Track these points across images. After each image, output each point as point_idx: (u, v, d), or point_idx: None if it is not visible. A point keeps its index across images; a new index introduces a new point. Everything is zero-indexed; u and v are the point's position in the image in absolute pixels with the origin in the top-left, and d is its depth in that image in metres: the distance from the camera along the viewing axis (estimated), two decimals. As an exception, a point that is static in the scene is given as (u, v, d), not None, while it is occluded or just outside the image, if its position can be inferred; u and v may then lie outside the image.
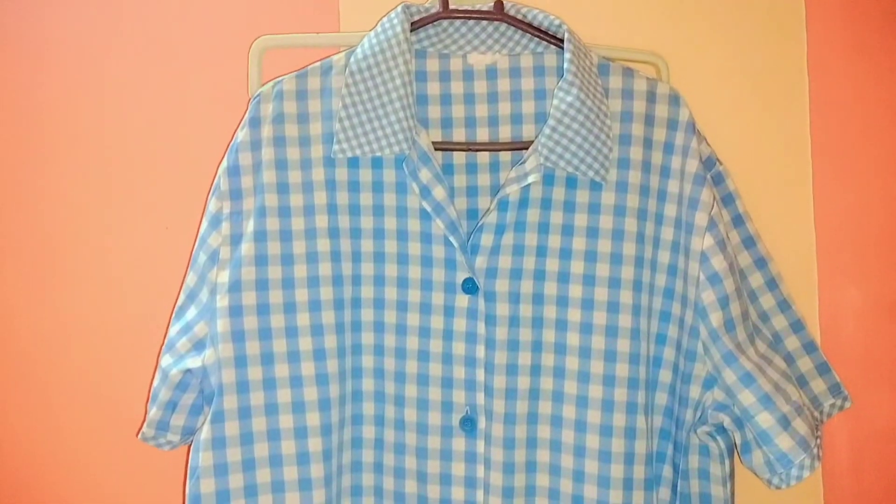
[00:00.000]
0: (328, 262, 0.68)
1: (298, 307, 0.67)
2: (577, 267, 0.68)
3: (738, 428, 0.67)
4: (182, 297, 0.71)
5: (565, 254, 0.69)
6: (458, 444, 0.68)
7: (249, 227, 0.67)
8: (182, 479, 0.70)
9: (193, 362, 0.68)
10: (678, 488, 0.69)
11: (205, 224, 0.70)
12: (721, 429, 0.68)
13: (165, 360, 0.70)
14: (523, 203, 0.68)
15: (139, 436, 0.71)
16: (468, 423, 0.68)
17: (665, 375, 0.70)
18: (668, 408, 0.70)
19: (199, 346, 0.68)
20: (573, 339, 0.68)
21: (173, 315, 0.71)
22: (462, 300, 0.68)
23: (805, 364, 0.71)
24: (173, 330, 0.70)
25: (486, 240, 0.68)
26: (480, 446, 0.68)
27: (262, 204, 0.67)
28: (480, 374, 0.68)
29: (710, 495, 0.69)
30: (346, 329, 0.69)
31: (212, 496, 0.66)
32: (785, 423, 0.64)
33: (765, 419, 0.64)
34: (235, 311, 0.67)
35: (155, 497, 0.82)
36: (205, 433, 0.66)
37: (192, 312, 0.70)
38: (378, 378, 0.70)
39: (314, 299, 0.68)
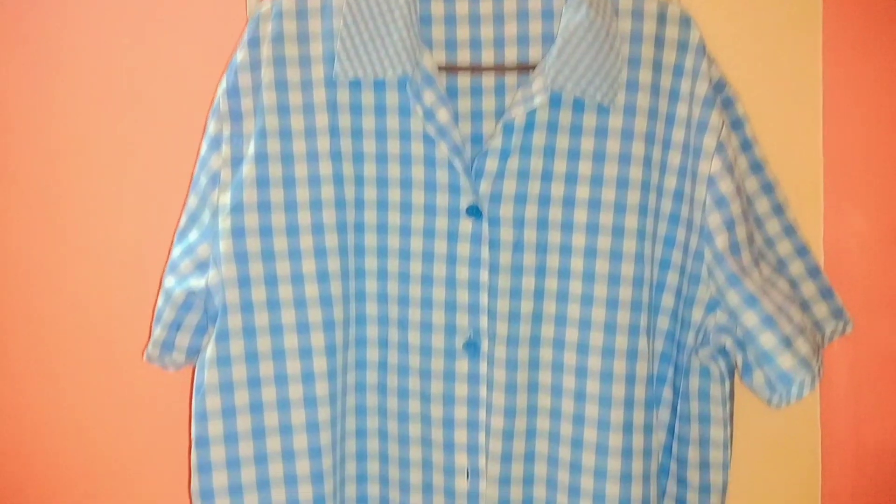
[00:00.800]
0: (330, 186, 0.68)
1: (301, 230, 0.67)
2: (582, 192, 0.68)
3: (739, 349, 0.67)
4: (184, 219, 0.71)
5: (571, 178, 0.68)
6: (462, 365, 0.69)
7: (250, 149, 0.67)
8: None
9: (197, 283, 0.68)
10: (678, 409, 0.71)
11: (205, 146, 0.69)
12: (722, 351, 0.69)
13: (169, 281, 0.70)
14: (529, 127, 0.67)
15: (144, 356, 0.72)
16: (471, 346, 0.69)
17: (668, 300, 0.70)
18: (669, 332, 0.70)
19: (201, 267, 0.68)
20: (577, 263, 0.68)
21: (175, 237, 0.71)
22: (466, 225, 0.68)
23: (808, 289, 0.72)
24: (176, 251, 0.71)
25: (491, 164, 0.67)
26: (483, 368, 0.69)
27: (262, 126, 0.67)
28: (484, 299, 0.68)
29: (710, 415, 0.70)
30: (350, 252, 0.69)
31: (218, 413, 0.67)
32: (787, 343, 0.65)
33: (767, 340, 0.65)
34: (238, 233, 0.67)
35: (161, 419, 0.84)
36: (210, 352, 0.67)
37: (194, 234, 0.70)
38: (382, 302, 0.70)
39: (317, 222, 0.68)
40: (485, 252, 0.68)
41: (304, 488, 0.68)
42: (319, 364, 0.68)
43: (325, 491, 0.68)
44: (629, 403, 0.67)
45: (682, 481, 0.72)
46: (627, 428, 0.67)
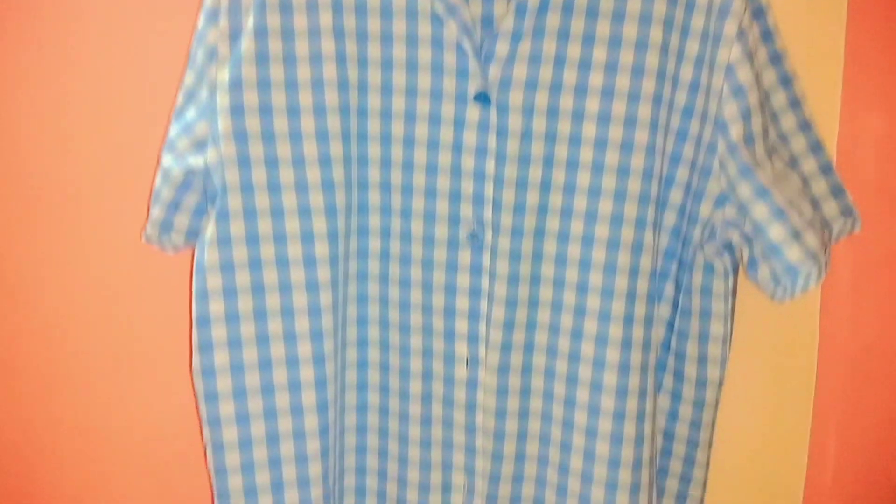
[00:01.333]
0: (333, 65, 0.65)
1: (302, 111, 0.65)
2: (595, 79, 0.65)
3: (746, 244, 0.67)
4: (181, 96, 0.68)
5: (584, 64, 0.65)
6: (465, 256, 0.68)
7: (249, 22, 0.64)
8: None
9: (195, 161, 0.66)
10: (679, 304, 0.70)
11: (202, 19, 0.66)
12: (728, 246, 0.68)
13: (167, 160, 0.68)
14: (543, 8, 0.64)
15: (142, 237, 0.70)
16: (475, 237, 0.68)
17: (676, 195, 0.69)
18: (676, 227, 0.70)
19: (200, 145, 0.66)
20: (586, 154, 0.66)
21: (173, 116, 0.69)
22: (473, 112, 0.66)
23: (819, 186, 0.70)
24: (173, 130, 0.68)
25: (502, 48, 0.65)
26: (486, 259, 0.68)
27: None
28: (489, 189, 0.67)
29: (711, 310, 0.70)
30: (353, 138, 0.67)
31: (218, 292, 0.66)
32: (795, 235, 0.64)
33: (776, 232, 0.64)
34: (237, 111, 0.64)
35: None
36: (210, 232, 0.66)
37: (191, 112, 0.67)
38: (385, 191, 0.69)
39: (318, 104, 0.65)
40: (492, 141, 0.66)
41: (305, 370, 0.68)
42: (321, 249, 0.67)
43: (326, 373, 0.68)
44: (631, 296, 0.67)
45: (678, 375, 0.72)
46: (628, 320, 0.67)
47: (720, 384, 0.72)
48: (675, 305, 0.71)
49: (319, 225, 0.66)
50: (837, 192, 0.71)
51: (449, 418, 0.71)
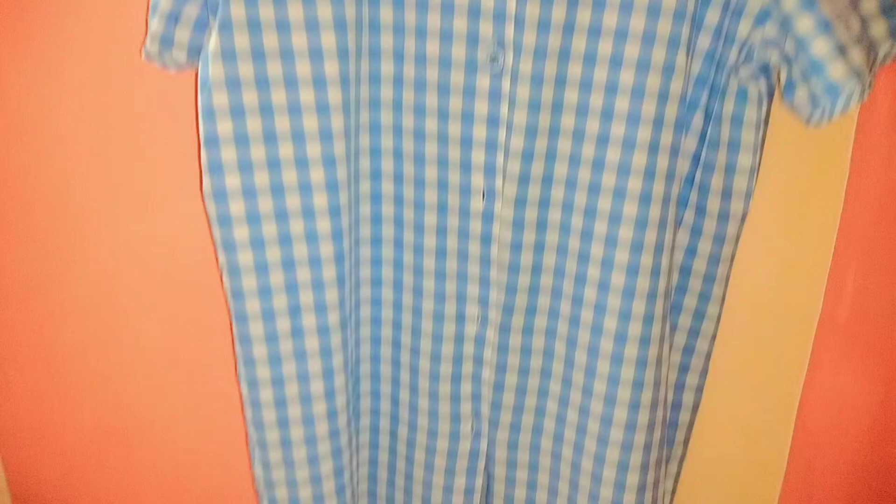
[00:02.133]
0: None
1: None
2: None
3: (785, 64, 0.62)
4: None
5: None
6: (483, 80, 0.64)
7: None
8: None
9: None
10: (707, 134, 0.67)
11: None
12: (765, 69, 0.64)
13: None
14: None
15: (143, 55, 0.66)
16: (495, 60, 0.63)
17: (713, 15, 0.63)
18: (710, 51, 0.65)
19: None
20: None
21: None
22: None
23: (869, 4, 0.65)
24: None
25: None
26: (506, 84, 0.64)
27: None
28: (511, 5, 0.61)
29: (741, 140, 0.67)
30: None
31: (226, 111, 0.63)
32: (841, 50, 0.59)
33: (820, 46, 0.59)
34: None
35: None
36: (213, 44, 0.62)
37: None
38: (398, 8, 0.63)
39: None
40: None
41: (318, 196, 0.66)
42: (331, 68, 0.63)
43: (339, 201, 0.66)
44: (658, 122, 0.63)
45: (700, 210, 0.70)
46: (653, 147, 0.64)
47: (743, 218, 0.70)
48: (702, 137, 0.68)
49: (329, 39, 0.62)
50: (888, 10, 0.65)
51: (464, 251, 0.70)
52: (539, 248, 0.70)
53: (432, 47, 0.64)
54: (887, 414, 0.76)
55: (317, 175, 0.65)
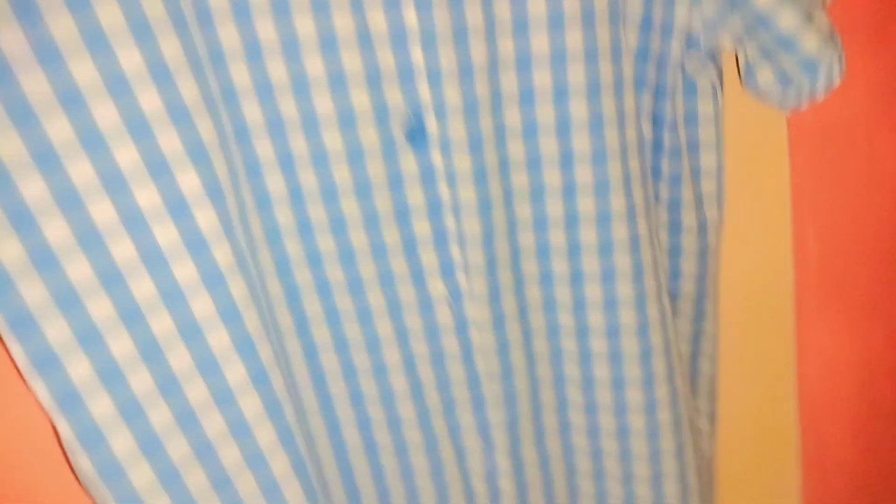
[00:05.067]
0: None
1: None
2: None
3: (740, 44, 0.53)
4: None
5: None
6: (408, 161, 0.47)
7: None
8: None
9: None
10: (663, 143, 0.56)
11: None
12: (712, 54, 0.54)
13: None
14: None
15: None
16: (415, 128, 0.47)
17: (633, 6, 0.52)
18: (640, 49, 0.54)
19: None
20: None
21: None
22: None
23: None
24: None
25: None
26: (436, 156, 0.48)
27: None
28: (417, 54, 0.45)
29: (699, 141, 0.57)
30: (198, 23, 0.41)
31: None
32: (808, 19, 0.51)
33: (787, 18, 0.50)
34: None
35: None
36: None
37: None
38: (263, 94, 0.44)
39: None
40: None
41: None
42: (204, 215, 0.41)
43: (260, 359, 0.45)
44: (623, 152, 0.51)
45: (675, 226, 0.60)
46: (626, 180, 0.51)
47: (720, 223, 0.60)
48: (656, 147, 0.57)
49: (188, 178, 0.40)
50: None
51: (443, 378, 0.53)
52: (527, 338, 0.55)
53: (332, 140, 0.46)
54: (872, 357, 0.74)
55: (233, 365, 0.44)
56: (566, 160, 0.50)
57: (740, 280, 0.75)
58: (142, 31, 0.38)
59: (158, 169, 0.39)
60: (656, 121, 0.56)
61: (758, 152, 0.70)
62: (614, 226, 0.51)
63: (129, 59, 0.37)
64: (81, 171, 0.38)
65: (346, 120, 0.45)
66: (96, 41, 0.37)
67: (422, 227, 0.49)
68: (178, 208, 0.40)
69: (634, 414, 0.56)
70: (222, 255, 0.41)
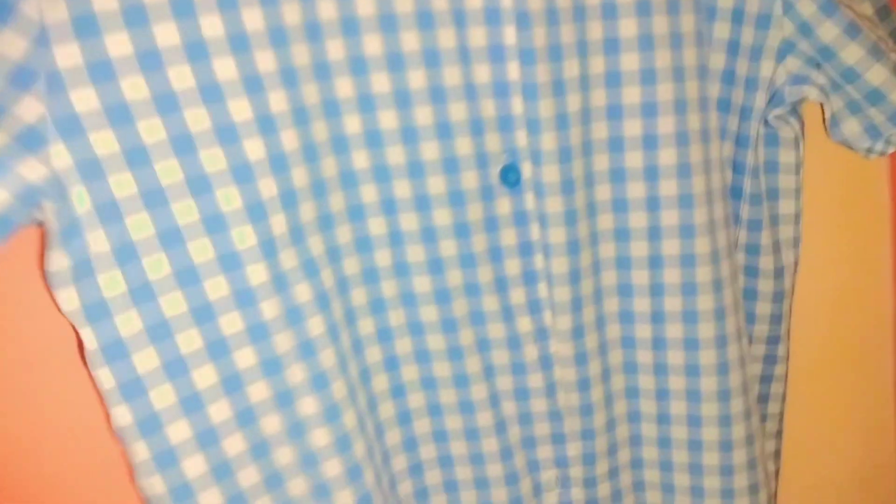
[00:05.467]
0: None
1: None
2: None
3: (826, 98, 0.55)
4: None
5: None
6: (502, 204, 0.50)
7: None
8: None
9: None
10: (745, 191, 0.58)
11: None
12: (795, 107, 0.56)
13: None
14: None
15: None
16: (511, 174, 0.50)
17: (717, 60, 0.54)
18: (721, 100, 0.56)
19: None
20: (627, 27, 0.49)
21: None
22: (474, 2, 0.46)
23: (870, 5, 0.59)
24: None
25: None
26: (530, 200, 0.50)
27: None
28: (517, 105, 0.48)
29: (779, 188, 0.58)
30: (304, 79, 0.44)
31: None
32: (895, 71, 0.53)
33: (877, 74, 0.52)
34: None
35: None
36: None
37: None
38: (373, 145, 0.47)
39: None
40: (509, 34, 0.46)
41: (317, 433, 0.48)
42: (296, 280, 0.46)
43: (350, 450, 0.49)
44: (709, 197, 0.53)
45: (752, 271, 0.61)
46: (710, 226, 0.53)
47: (796, 267, 0.62)
48: (735, 193, 0.59)
49: (278, 227, 0.44)
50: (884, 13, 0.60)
51: (525, 413, 0.55)
52: (606, 375, 0.57)
53: (435, 184, 0.48)
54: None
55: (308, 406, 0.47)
56: (652, 204, 0.53)
57: (835, 310, 0.74)
58: (253, 84, 0.42)
59: (267, 249, 0.43)
60: (737, 168, 0.58)
61: (858, 183, 0.71)
62: (698, 270, 0.53)
63: (240, 110, 0.42)
64: (200, 248, 0.43)
65: (450, 165, 0.48)
66: (211, 91, 0.41)
67: (512, 267, 0.51)
68: (279, 281, 0.44)
69: (709, 452, 0.57)
70: (316, 324, 0.46)
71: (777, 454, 0.68)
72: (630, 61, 0.50)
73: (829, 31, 0.51)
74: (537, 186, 0.50)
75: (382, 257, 0.49)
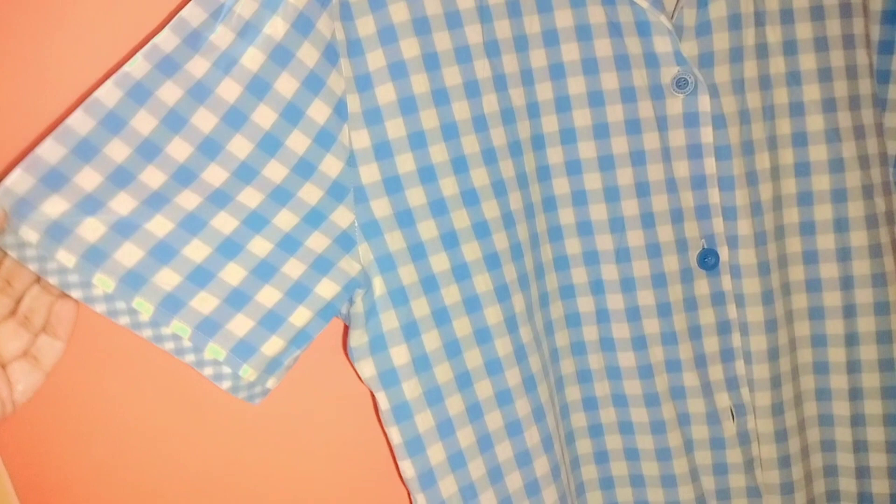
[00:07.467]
0: (492, 93, 0.49)
1: (470, 162, 0.50)
2: (803, 30, 0.52)
3: None
4: (256, 195, 0.46)
5: (787, 16, 0.52)
6: (701, 286, 0.54)
7: (378, 58, 0.48)
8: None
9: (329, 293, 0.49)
10: None
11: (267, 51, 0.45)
12: None
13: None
14: None
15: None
16: (709, 257, 0.54)
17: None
18: None
19: (322, 267, 0.48)
20: (815, 122, 0.53)
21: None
22: (675, 104, 0.51)
23: None
24: (261, 247, 0.47)
25: (689, 17, 0.50)
26: (727, 282, 0.54)
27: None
28: (714, 196, 0.53)
29: None
30: (531, 181, 0.51)
31: (433, 433, 0.53)
32: None
33: None
34: (393, 184, 0.49)
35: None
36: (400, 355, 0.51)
37: (288, 220, 0.47)
38: (585, 234, 0.53)
39: (486, 149, 0.50)
40: (706, 134, 0.52)
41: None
42: (522, 333, 0.53)
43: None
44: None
45: None
46: None
47: None
48: None
49: (517, 301, 0.52)
50: None
51: (724, 490, 0.57)
52: (805, 453, 0.58)
53: (640, 268, 0.53)
54: None
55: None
56: (846, 284, 0.55)
57: None
58: (459, 165, 0.50)
59: (471, 304, 0.51)
60: None
61: None
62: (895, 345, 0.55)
63: (448, 187, 0.50)
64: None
65: (654, 251, 0.53)
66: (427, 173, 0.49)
67: (711, 344, 0.55)
68: (481, 335, 0.51)
69: None
70: (542, 391, 0.53)
71: None
72: (817, 152, 0.54)
73: None
74: (734, 269, 0.54)
75: (590, 332, 0.54)
